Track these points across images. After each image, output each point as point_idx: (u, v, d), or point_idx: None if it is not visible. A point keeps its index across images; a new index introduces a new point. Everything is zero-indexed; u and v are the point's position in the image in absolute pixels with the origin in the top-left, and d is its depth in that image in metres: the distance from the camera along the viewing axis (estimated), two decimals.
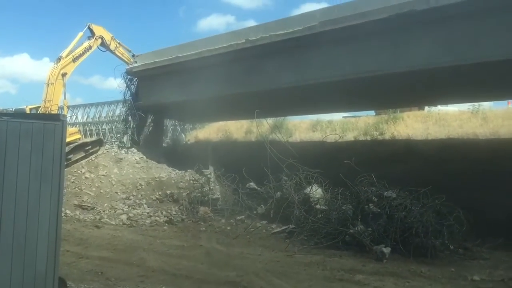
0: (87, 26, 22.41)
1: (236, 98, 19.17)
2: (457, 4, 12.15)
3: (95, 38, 22.42)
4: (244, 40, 17.49)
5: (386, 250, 10.78)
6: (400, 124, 21.19)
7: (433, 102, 21.77)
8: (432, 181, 12.31)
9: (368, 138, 21.04)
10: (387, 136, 20.59)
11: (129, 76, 24.16)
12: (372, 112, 25.69)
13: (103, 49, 23.12)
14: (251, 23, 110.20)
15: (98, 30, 22.66)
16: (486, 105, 21.04)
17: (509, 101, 22.31)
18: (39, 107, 21.00)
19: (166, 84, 21.79)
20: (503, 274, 9.31)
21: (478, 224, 11.54)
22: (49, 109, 20.62)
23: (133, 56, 23.99)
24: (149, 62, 22.38)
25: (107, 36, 22.92)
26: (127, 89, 24.43)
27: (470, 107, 20.67)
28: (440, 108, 23.22)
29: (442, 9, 12.51)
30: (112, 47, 23.19)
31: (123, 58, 23.75)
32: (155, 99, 22.98)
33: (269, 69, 17.31)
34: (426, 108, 24.09)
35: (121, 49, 23.65)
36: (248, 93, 18.27)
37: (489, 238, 11.84)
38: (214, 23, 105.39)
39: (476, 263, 10.46)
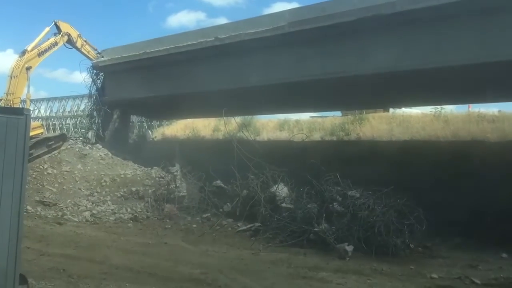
0: (53, 23, 22.03)
1: (204, 96, 19.11)
2: (421, 9, 12.47)
3: (62, 35, 22.07)
4: (213, 38, 17.45)
5: (349, 248, 11.01)
6: (366, 125, 21.58)
7: (398, 104, 22.29)
8: (394, 181, 12.63)
9: (334, 138, 21.36)
10: (352, 136, 20.94)
11: (95, 71, 23.75)
12: (339, 113, 26.10)
13: (69, 46, 22.74)
14: (222, 20, 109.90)
15: (65, 27, 22.32)
16: (448, 108, 21.69)
17: (470, 105, 23.01)
18: (0, 99, 20.55)
19: (133, 80, 21.50)
20: (460, 272, 9.61)
21: (438, 223, 11.93)
22: (11, 102, 20.21)
23: (98, 54, 23.63)
24: (116, 57, 22.03)
25: (74, 33, 22.59)
26: (93, 83, 24.01)
27: (433, 109, 21.25)
28: (404, 110, 23.79)
29: (407, 14, 12.83)
30: (78, 44, 22.85)
31: (89, 56, 23.39)
32: (122, 95, 22.67)
33: (237, 67, 17.35)
34: (391, 110, 24.65)
35: (87, 47, 23.29)
36: (216, 91, 18.22)
37: (448, 237, 12.24)
38: (184, 20, 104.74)
39: (435, 261, 10.76)
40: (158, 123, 31.47)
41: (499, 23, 11.79)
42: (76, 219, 15.49)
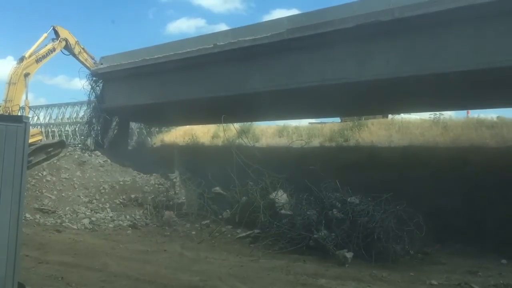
0: (52, 28, 22.22)
1: (203, 102, 19.12)
2: (419, 16, 12.51)
3: (59, 40, 22.26)
4: (212, 45, 17.48)
5: (349, 254, 10.98)
6: (365, 131, 21.61)
7: (397, 110, 22.31)
8: (394, 187, 12.59)
9: (333, 144, 21.36)
10: (351, 142, 20.95)
11: (94, 78, 23.79)
12: (338, 119, 26.13)
13: (66, 52, 22.92)
14: (222, 27, 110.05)
15: (63, 32, 22.50)
16: (447, 114, 21.75)
17: (469, 110, 23.05)
18: None
19: (132, 87, 21.54)
20: (460, 278, 9.59)
21: (437, 230, 11.91)
22: (9, 109, 20.28)
23: (95, 62, 23.74)
24: (115, 64, 22.08)
25: (72, 40, 22.75)
26: (92, 90, 24.05)
27: (432, 115, 21.29)
28: (403, 116, 23.83)
29: (405, 21, 12.87)
30: (76, 51, 22.99)
31: (86, 64, 23.48)
32: (121, 102, 22.69)
33: (236, 74, 17.38)
34: (390, 116, 24.68)
35: (84, 54, 23.40)
36: (215, 97, 18.25)
37: (448, 243, 12.21)
38: (184, 26, 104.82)
39: (435, 267, 10.74)
40: (157, 129, 31.46)
41: (495, 30, 11.82)
42: (75, 227, 15.47)
